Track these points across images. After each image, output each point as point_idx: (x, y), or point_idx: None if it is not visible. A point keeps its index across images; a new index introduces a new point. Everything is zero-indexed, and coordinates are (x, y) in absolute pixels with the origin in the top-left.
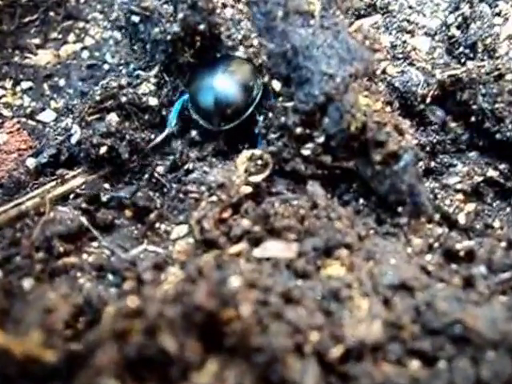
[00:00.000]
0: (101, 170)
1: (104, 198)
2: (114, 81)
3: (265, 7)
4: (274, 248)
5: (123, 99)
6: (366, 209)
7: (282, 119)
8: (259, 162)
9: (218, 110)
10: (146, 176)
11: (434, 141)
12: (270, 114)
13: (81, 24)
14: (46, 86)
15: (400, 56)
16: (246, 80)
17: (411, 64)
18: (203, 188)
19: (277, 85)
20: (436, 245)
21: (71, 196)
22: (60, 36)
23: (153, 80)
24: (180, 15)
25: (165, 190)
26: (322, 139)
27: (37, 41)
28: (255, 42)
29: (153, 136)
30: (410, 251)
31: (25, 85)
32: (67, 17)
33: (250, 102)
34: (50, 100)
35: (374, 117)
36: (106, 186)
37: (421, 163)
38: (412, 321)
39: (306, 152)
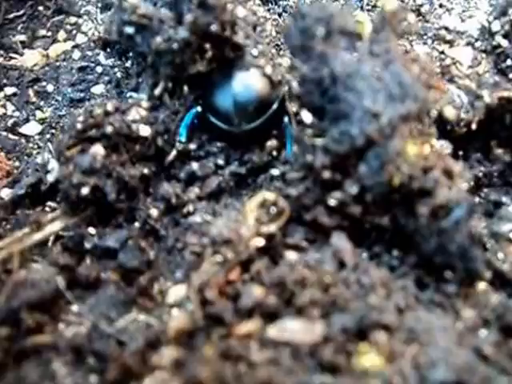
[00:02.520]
0: (84, 212)
1: (88, 245)
2: (99, 106)
3: (303, 22)
4: (293, 329)
5: (109, 129)
6: (402, 266)
7: (308, 158)
8: (273, 208)
9: (238, 110)
10: (138, 220)
11: (480, 174)
12: (294, 148)
13: (72, 19)
14: (31, 91)
15: (437, 71)
16: (265, 81)
17: (451, 81)
18: (205, 240)
19: (307, 116)
20: (491, 316)
21: (49, 242)
22: (49, 33)
23: (145, 104)
24: (189, 16)
25: (160, 234)
26: (354, 190)
27: (23, 39)
28: (274, 50)
29: (146, 171)
30: (461, 327)
31: (9, 90)
32: (58, 11)
33: (272, 99)
34: (36, 109)
35: (421, 162)
36: (91, 230)
37: None
38: None
39: (332, 202)
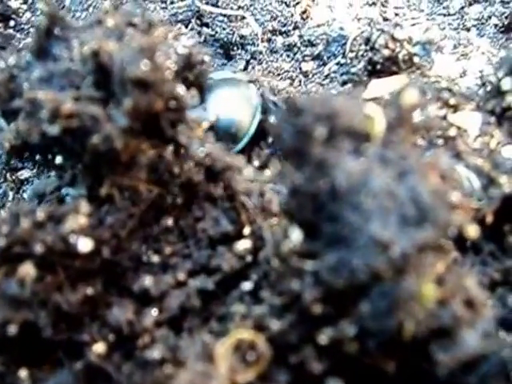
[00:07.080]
0: (12, 352)
1: None
2: (26, 215)
3: (299, 119)
4: None
5: (38, 249)
6: None
7: (294, 285)
8: (250, 354)
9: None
10: (81, 356)
11: (494, 275)
12: (274, 261)
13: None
14: None
15: (438, 142)
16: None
17: (457, 158)
18: None
19: (296, 234)
20: None
21: None
22: None
23: (84, 208)
24: (127, 102)
25: (109, 376)
26: (351, 332)
27: None
28: None
29: (89, 291)
30: None
31: None
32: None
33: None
34: None
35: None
36: (22, 372)
37: None
38: None
39: (323, 340)
